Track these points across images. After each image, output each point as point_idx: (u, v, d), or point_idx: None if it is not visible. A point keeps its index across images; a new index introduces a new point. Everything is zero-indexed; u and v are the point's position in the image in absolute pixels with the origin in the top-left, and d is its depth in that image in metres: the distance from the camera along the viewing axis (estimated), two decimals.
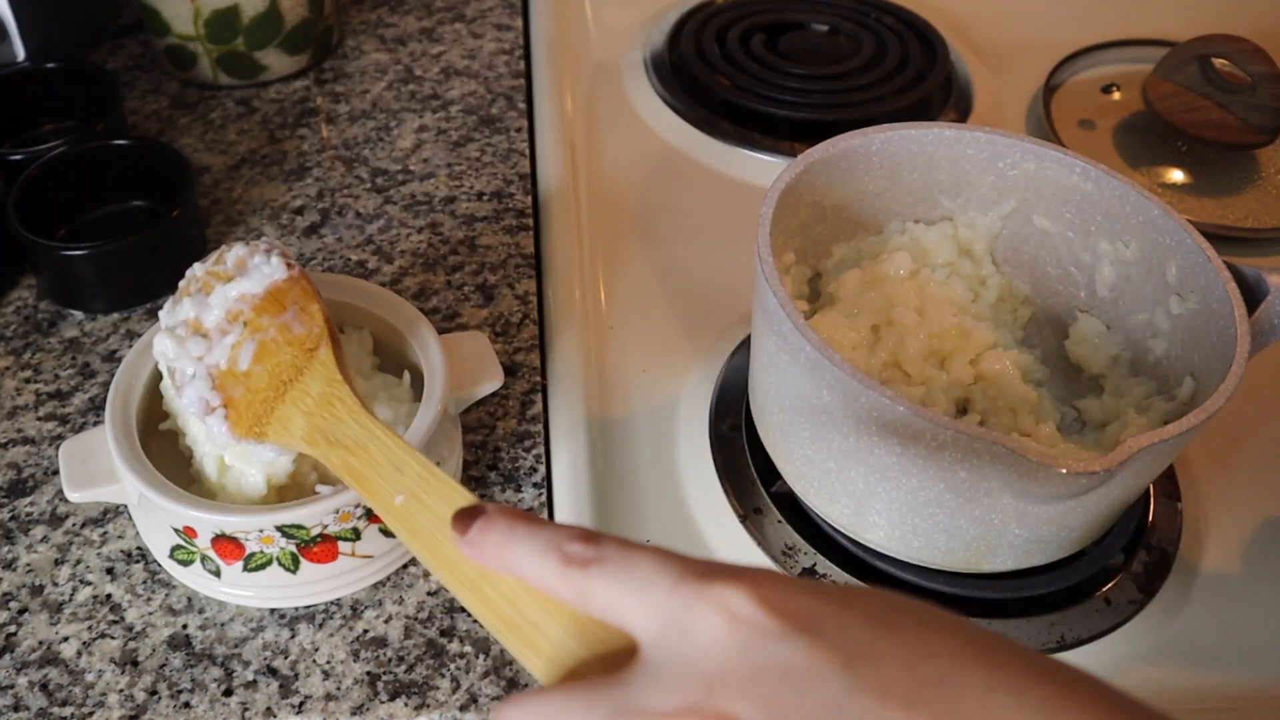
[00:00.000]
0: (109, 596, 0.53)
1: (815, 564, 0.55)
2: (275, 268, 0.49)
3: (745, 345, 0.65)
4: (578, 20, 0.93)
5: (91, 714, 0.48)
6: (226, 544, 0.49)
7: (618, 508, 0.57)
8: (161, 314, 0.50)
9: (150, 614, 0.52)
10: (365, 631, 0.52)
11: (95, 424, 0.60)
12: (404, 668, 0.50)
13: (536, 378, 0.63)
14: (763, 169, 0.77)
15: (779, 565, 0.55)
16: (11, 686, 0.49)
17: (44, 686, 0.49)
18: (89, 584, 0.53)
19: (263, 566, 0.49)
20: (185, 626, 0.52)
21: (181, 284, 0.51)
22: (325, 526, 0.49)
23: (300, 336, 0.48)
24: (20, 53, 0.77)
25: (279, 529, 0.48)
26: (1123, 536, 0.56)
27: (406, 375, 0.55)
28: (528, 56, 0.88)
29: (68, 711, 0.48)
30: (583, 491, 0.57)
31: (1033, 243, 0.61)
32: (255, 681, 0.50)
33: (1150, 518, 0.57)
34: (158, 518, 0.50)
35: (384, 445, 0.42)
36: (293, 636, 0.51)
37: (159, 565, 0.54)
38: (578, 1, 0.95)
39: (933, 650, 0.28)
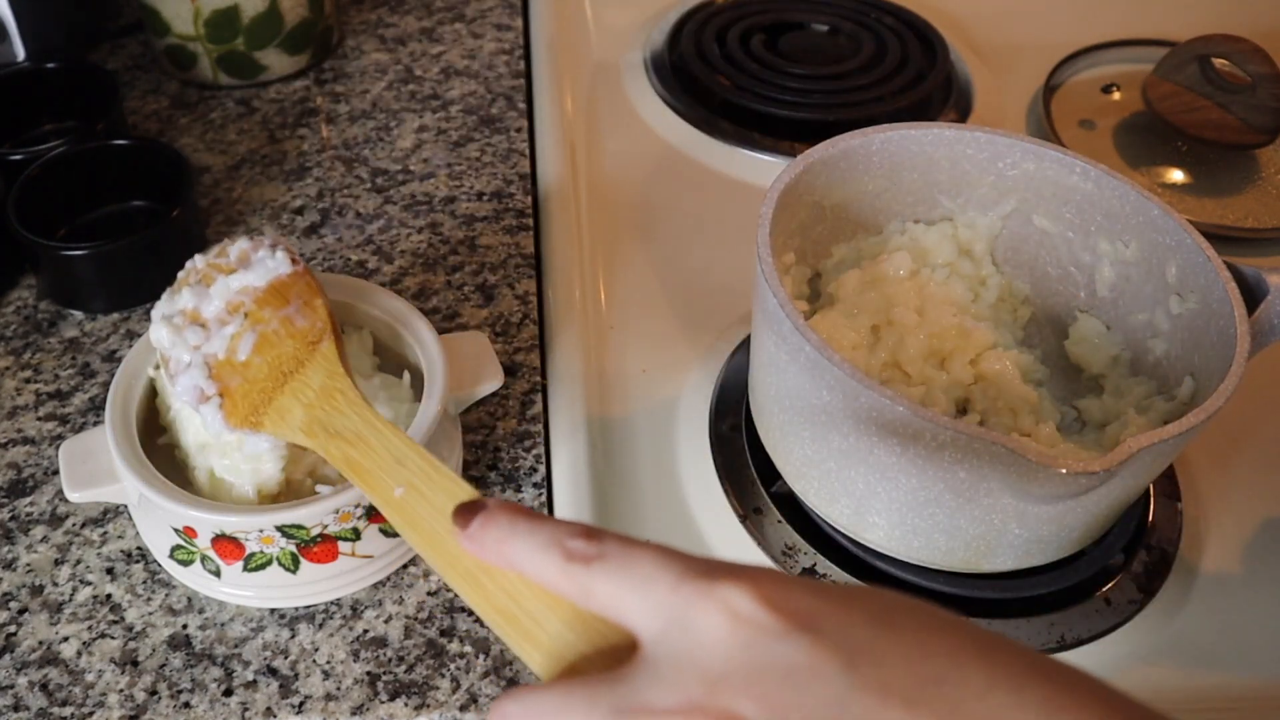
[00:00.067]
0: (109, 596, 0.53)
1: (815, 564, 0.55)
2: (280, 262, 0.49)
3: (745, 345, 0.65)
4: (578, 20, 0.93)
5: (91, 714, 0.48)
6: (226, 544, 0.49)
7: (618, 508, 0.57)
8: (159, 303, 0.50)
9: (150, 614, 0.52)
10: (365, 631, 0.52)
11: (95, 424, 0.60)
12: (404, 668, 0.50)
13: (536, 378, 0.63)
14: (763, 169, 0.77)
15: (779, 565, 0.55)
16: (11, 686, 0.49)
17: (44, 686, 0.49)
18: (89, 584, 0.53)
19: (263, 566, 0.49)
20: (185, 626, 0.52)
21: (180, 274, 0.51)
22: (325, 526, 0.49)
23: (303, 330, 0.48)
24: (20, 53, 0.77)
25: (279, 529, 0.48)
26: (1123, 536, 0.56)
27: (406, 375, 0.55)
28: (528, 56, 0.88)
29: (68, 711, 0.49)
30: (583, 491, 0.57)
31: (1033, 243, 0.61)
32: (255, 681, 0.50)
33: (1150, 518, 0.57)
34: (158, 518, 0.50)
35: (385, 438, 0.42)
36: (293, 636, 0.51)
37: (159, 565, 0.54)
38: (578, 1, 0.95)
39: (932, 649, 0.28)
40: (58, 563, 0.54)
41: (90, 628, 0.51)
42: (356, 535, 0.50)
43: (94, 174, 0.69)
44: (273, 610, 0.52)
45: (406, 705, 0.49)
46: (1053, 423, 0.56)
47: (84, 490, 0.50)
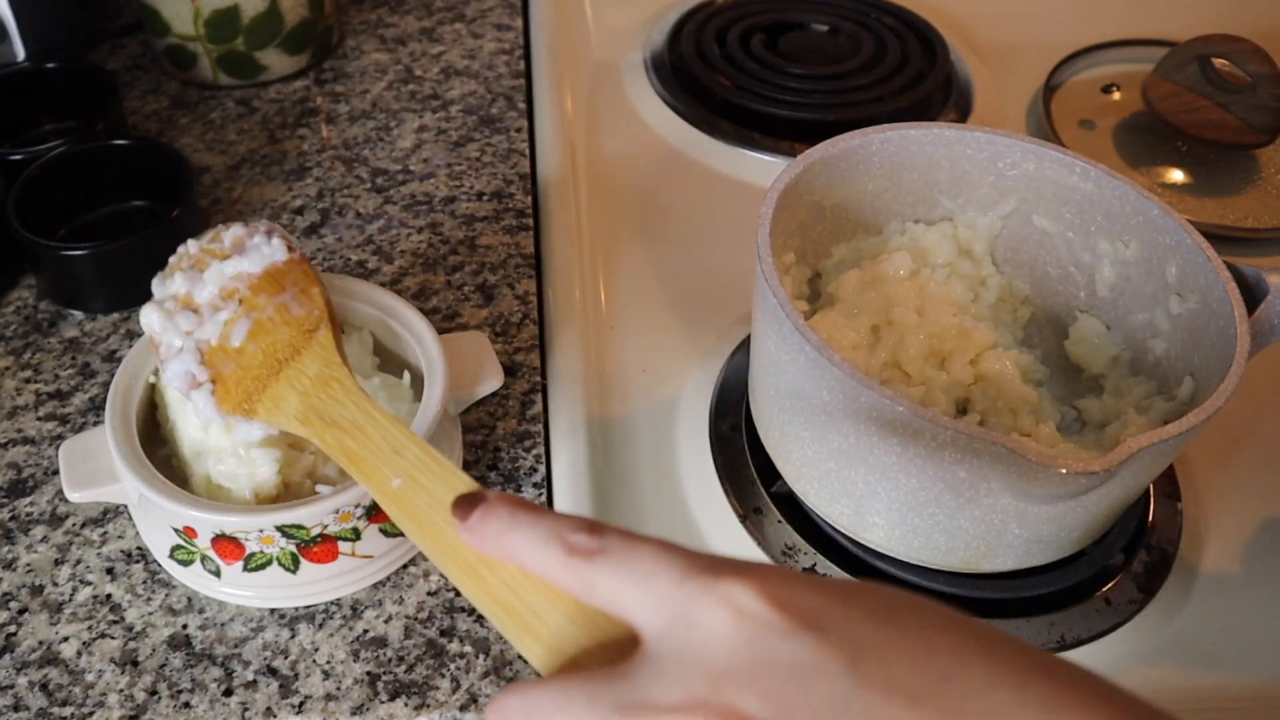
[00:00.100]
0: (109, 596, 0.53)
1: (815, 564, 0.55)
2: (275, 249, 0.49)
3: (745, 345, 0.65)
4: (578, 20, 0.93)
5: (91, 714, 0.48)
6: (226, 544, 0.49)
7: (618, 508, 0.57)
8: (152, 286, 0.50)
9: (150, 614, 0.52)
10: (365, 631, 0.52)
11: (95, 424, 0.60)
12: (404, 668, 0.50)
13: (536, 378, 0.63)
14: (763, 169, 0.77)
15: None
16: (11, 686, 0.49)
17: (44, 686, 0.49)
18: (89, 584, 0.53)
19: (263, 566, 0.49)
20: (185, 626, 0.52)
21: (172, 259, 0.50)
22: (325, 526, 0.49)
23: (299, 317, 0.48)
24: (20, 53, 0.77)
25: (279, 529, 0.48)
26: (1123, 536, 0.56)
27: (406, 375, 0.55)
28: (528, 56, 0.88)
29: (68, 711, 0.49)
30: (583, 491, 0.57)
31: (1033, 243, 0.61)
32: (255, 681, 0.50)
33: (1150, 518, 0.57)
34: (158, 518, 0.50)
35: (383, 428, 0.41)
36: (293, 636, 0.51)
37: (159, 565, 0.54)
38: (578, 1, 0.95)
39: (936, 646, 0.28)
40: (58, 563, 0.54)
41: (90, 628, 0.51)
42: (356, 535, 0.50)
43: (94, 174, 0.69)
44: (273, 610, 0.52)
45: (406, 705, 0.49)
46: (1053, 423, 0.56)
47: (84, 490, 0.50)
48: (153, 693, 0.49)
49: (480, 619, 0.52)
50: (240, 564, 0.49)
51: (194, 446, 0.51)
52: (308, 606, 0.52)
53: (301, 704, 0.49)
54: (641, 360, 0.65)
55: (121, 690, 0.49)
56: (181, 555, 0.51)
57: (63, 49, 0.79)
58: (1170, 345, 0.55)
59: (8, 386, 0.62)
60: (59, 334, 0.65)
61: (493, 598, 0.33)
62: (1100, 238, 0.58)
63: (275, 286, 0.48)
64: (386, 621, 0.52)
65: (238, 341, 0.47)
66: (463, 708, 0.49)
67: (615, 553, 0.31)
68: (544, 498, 0.57)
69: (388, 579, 0.53)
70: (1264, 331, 0.50)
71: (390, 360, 0.57)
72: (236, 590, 0.51)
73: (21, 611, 0.52)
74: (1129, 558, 0.56)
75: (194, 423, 0.51)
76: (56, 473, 0.56)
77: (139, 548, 0.54)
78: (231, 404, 0.47)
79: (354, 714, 0.49)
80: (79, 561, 0.54)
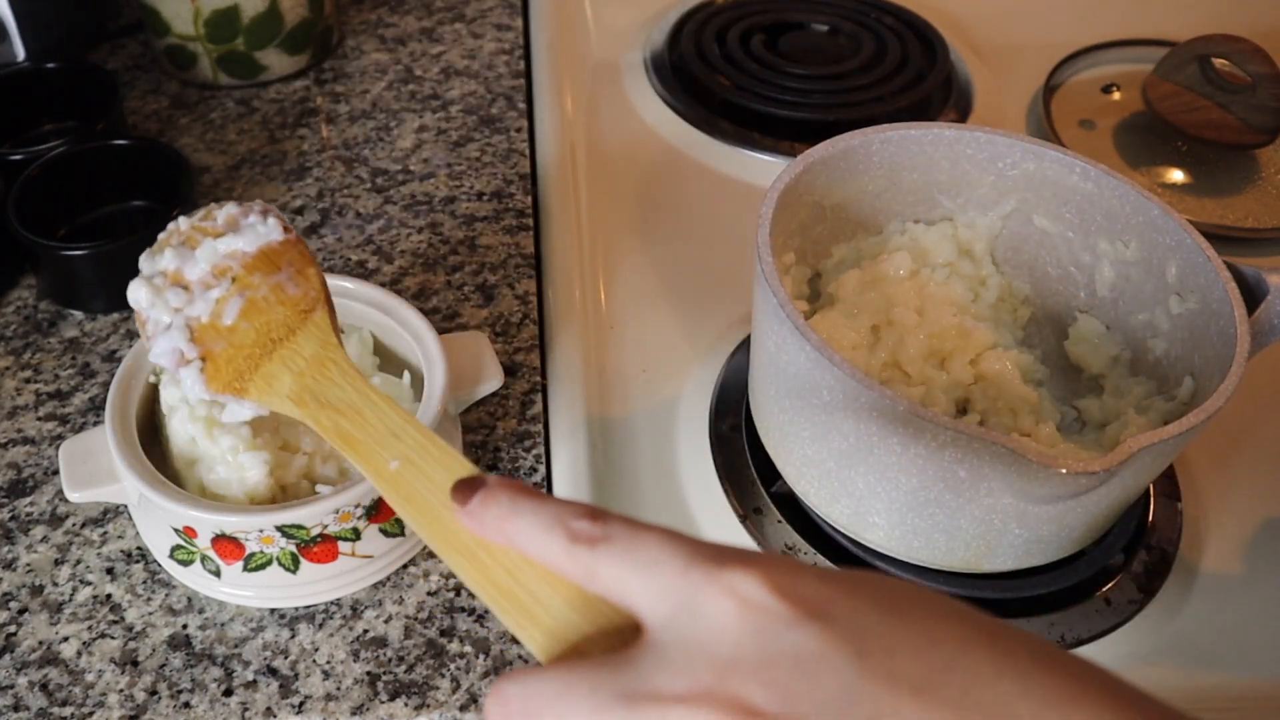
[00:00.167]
0: (109, 596, 0.53)
1: (815, 564, 0.55)
2: (271, 229, 0.48)
3: (745, 345, 0.65)
4: (578, 20, 0.93)
5: (91, 714, 0.48)
6: (226, 544, 0.49)
7: (618, 507, 0.56)
8: (139, 262, 0.49)
9: (150, 614, 0.52)
10: (365, 631, 0.52)
11: (95, 424, 0.60)
12: (404, 668, 0.50)
13: (536, 378, 0.63)
14: (763, 169, 0.77)
15: None
16: (11, 686, 0.49)
17: (44, 686, 0.49)
18: (89, 584, 0.53)
19: (263, 566, 0.49)
20: (185, 626, 0.52)
21: (162, 235, 0.49)
22: (325, 526, 0.49)
23: (295, 298, 0.46)
24: (20, 53, 0.77)
25: (279, 529, 0.48)
26: (1123, 536, 0.56)
27: (406, 375, 0.55)
28: (528, 56, 0.88)
29: (68, 711, 0.49)
30: (583, 491, 0.57)
31: (1033, 243, 0.61)
32: (255, 681, 0.50)
33: (1150, 518, 0.57)
34: (158, 518, 0.50)
35: (380, 410, 0.40)
36: (293, 636, 0.51)
37: (159, 565, 0.54)
38: (578, 1, 0.95)
39: (940, 637, 0.28)
40: (58, 563, 0.54)
41: (90, 628, 0.51)
42: (356, 535, 0.50)
43: (94, 174, 0.69)
44: (273, 610, 0.52)
45: (406, 705, 0.49)
46: (1053, 423, 0.56)
47: (84, 490, 0.50)
48: (153, 693, 0.49)
49: (480, 619, 0.52)
50: (240, 564, 0.49)
51: (185, 457, 0.51)
52: (308, 606, 0.52)
53: (301, 704, 0.49)
54: (641, 360, 0.65)
55: (121, 690, 0.49)
56: (181, 555, 0.51)
57: (63, 49, 0.79)
58: (1170, 345, 0.55)
59: (8, 386, 0.62)
60: (59, 334, 0.65)
61: (492, 583, 0.33)
62: (1100, 238, 0.58)
63: (270, 266, 0.47)
64: (386, 621, 0.52)
65: (230, 319, 0.46)
66: (463, 708, 0.49)
67: (619, 540, 0.30)
68: None
69: (388, 579, 0.53)
70: (1264, 331, 0.50)
71: (390, 360, 0.57)
72: (236, 590, 0.51)
73: (21, 611, 0.52)
74: (1129, 558, 0.56)
75: (183, 433, 0.51)
76: (56, 473, 0.56)
77: (139, 548, 0.54)
78: (222, 382, 0.46)
79: (354, 714, 0.49)
80: (79, 561, 0.54)
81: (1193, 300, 0.53)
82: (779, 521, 0.56)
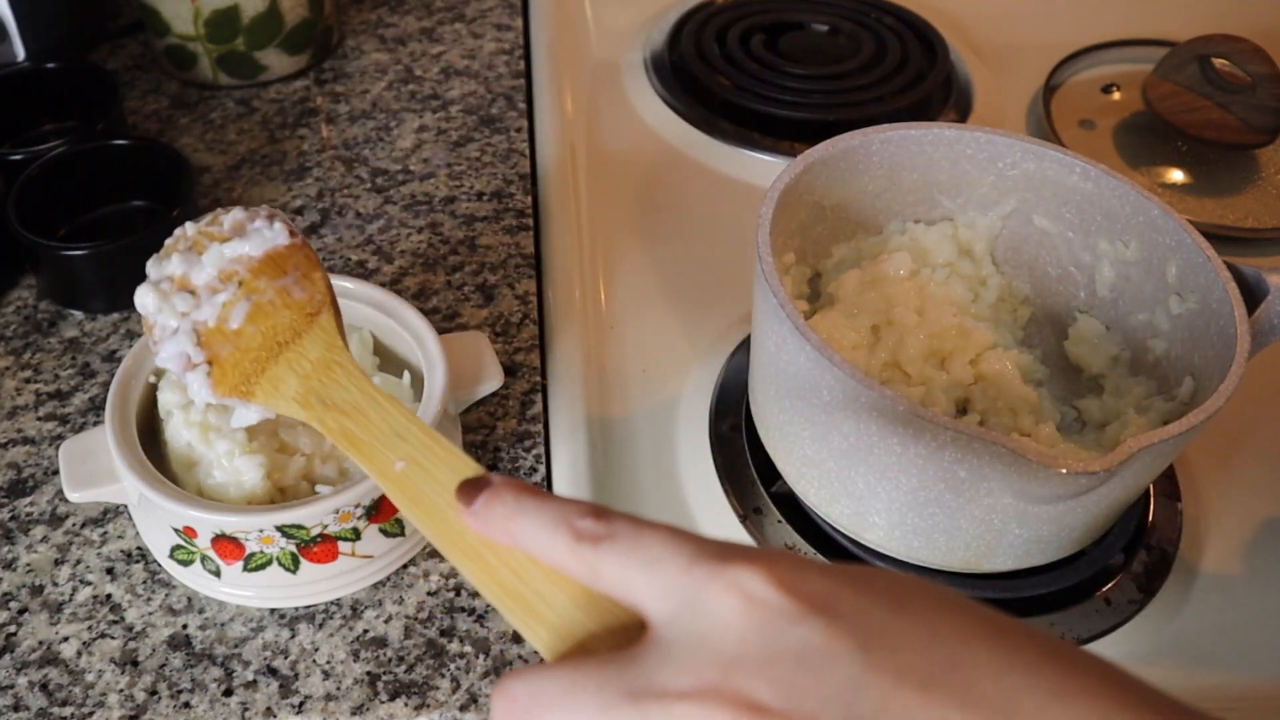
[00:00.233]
0: (109, 596, 0.53)
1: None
2: (277, 233, 0.48)
3: (745, 345, 0.65)
4: (578, 20, 0.93)
5: (91, 714, 0.48)
6: (226, 544, 0.49)
7: (618, 507, 0.57)
8: (147, 268, 0.49)
9: (150, 614, 0.52)
10: (365, 631, 0.52)
11: (95, 424, 0.60)
12: (404, 668, 0.50)
13: (536, 378, 0.63)
14: (763, 169, 0.77)
15: None
16: (11, 686, 0.49)
17: (44, 686, 0.49)
18: (89, 584, 0.53)
19: (263, 566, 0.49)
20: (185, 626, 0.52)
21: (169, 241, 0.49)
22: (325, 526, 0.49)
23: (301, 301, 0.47)
24: (20, 53, 0.77)
25: (279, 529, 0.48)
26: (1123, 536, 0.56)
27: (406, 375, 0.55)
28: (528, 56, 0.88)
29: (68, 711, 0.49)
30: (583, 491, 0.57)
31: (1033, 243, 0.61)
32: (255, 681, 0.50)
33: (1150, 518, 0.57)
34: (158, 518, 0.50)
35: (386, 411, 0.40)
36: (293, 636, 0.51)
37: (159, 565, 0.54)
38: (578, 1, 0.95)
39: (945, 631, 0.28)
40: (58, 563, 0.54)
41: (90, 628, 0.51)
42: (356, 535, 0.50)
43: (94, 174, 0.69)
44: (273, 610, 0.52)
45: (406, 705, 0.49)
46: (1053, 423, 0.56)
47: (84, 490, 0.50)
48: (153, 693, 0.49)
49: (480, 619, 0.52)
50: (240, 564, 0.49)
51: (183, 460, 0.51)
52: (308, 606, 0.52)
53: (301, 704, 0.49)
54: (641, 360, 0.65)
55: (121, 690, 0.49)
56: (181, 555, 0.51)
57: (63, 49, 0.79)
58: (1170, 345, 0.55)
59: (8, 386, 0.62)
60: (59, 334, 0.65)
61: (497, 582, 0.33)
62: (1100, 238, 0.58)
63: (276, 270, 0.47)
64: (386, 621, 0.52)
65: (236, 323, 0.46)
66: (463, 708, 0.49)
67: (622, 538, 0.30)
68: None
69: (388, 579, 0.53)
70: (1264, 331, 0.50)
71: (390, 360, 0.57)
72: (236, 590, 0.51)
73: (21, 611, 0.52)
74: (1129, 558, 0.56)
75: (180, 438, 0.51)
76: (56, 473, 0.56)
77: (139, 548, 0.54)
78: (228, 386, 0.46)
79: (354, 714, 0.49)
80: (79, 561, 0.54)
81: (1193, 300, 0.53)
82: (779, 521, 0.56)
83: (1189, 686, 0.52)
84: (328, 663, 0.50)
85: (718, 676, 0.28)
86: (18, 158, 0.67)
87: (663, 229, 0.74)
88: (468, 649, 0.51)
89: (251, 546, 0.49)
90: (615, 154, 0.80)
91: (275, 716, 0.49)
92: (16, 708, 0.48)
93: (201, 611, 0.52)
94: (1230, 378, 0.46)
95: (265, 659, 0.50)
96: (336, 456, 0.52)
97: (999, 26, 0.94)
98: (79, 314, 0.66)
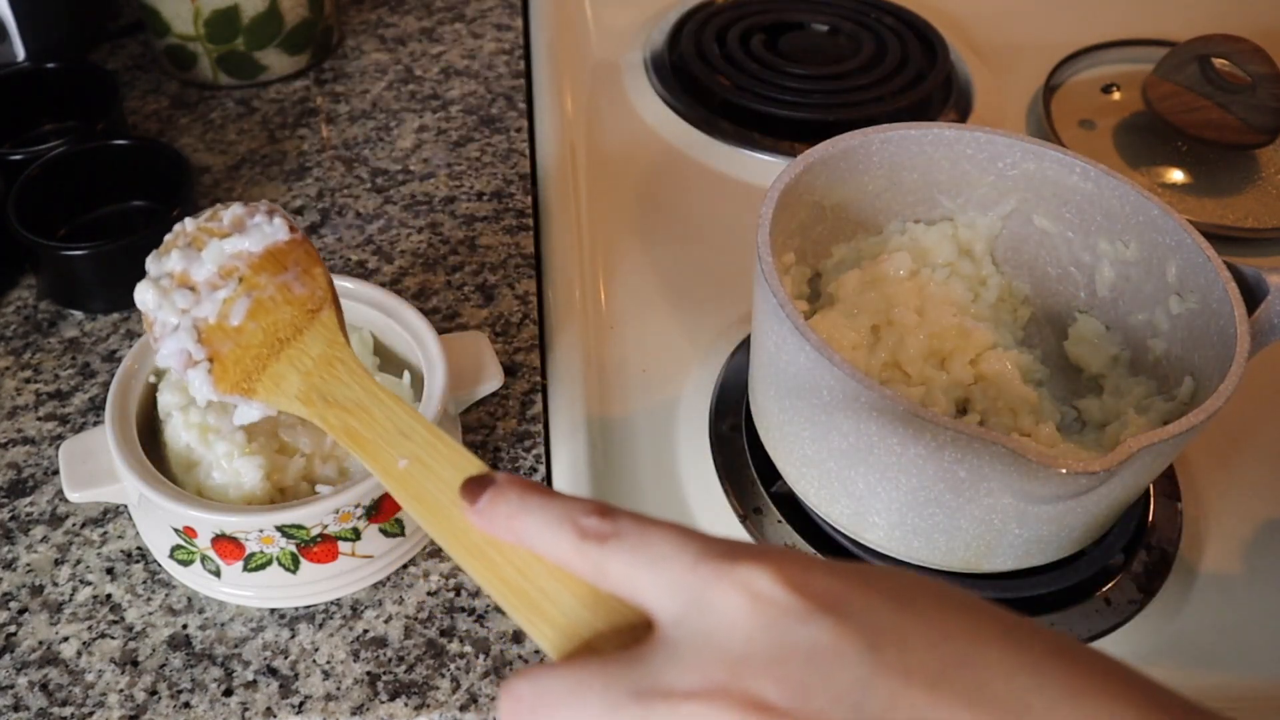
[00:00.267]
0: (109, 596, 0.53)
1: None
2: (277, 229, 0.48)
3: (745, 345, 0.65)
4: (578, 20, 0.93)
5: (91, 714, 0.48)
6: (226, 544, 0.49)
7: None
8: (146, 264, 0.49)
9: (150, 614, 0.52)
10: (365, 631, 0.52)
11: (95, 424, 0.60)
12: (404, 668, 0.50)
13: (536, 378, 0.63)
14: (763, 169, 0.77)
15: None
16: (11, 686, 0.49)
17: (44, 686, 0.49)
18: (89, 584, 0.53)
19: (263, 566, 0.49)
20: (185, 626, 0.52)
21: (168, 237, 0.49)
22: (325, 527, 0.49)
23: (302, 297, 0.47)
24: (20, 53, 0.77)
25: (279, 529, 0.48)
26: (1123, 536, 0.56)
27: (406, 375, 0.55)
28: (528, 56, 0.88)
29: (68, 711, 0.49)
30: (583, 491, 0.57)
31: (1033, 243, 0.61)
32: (255, 681, 0.50)
33: (1150, 518, 0.57)
34: (158, 518, 0.50)
35: (389, 409, 0.40)
36: (293, 636, 0.51)
37: (159, 565, 0.54)
38: (578, 1, 0.95)
39: (954, 630, 0.28)
40: (58, 563, 0.54)
41: (90, 628, 0.51)
42: (356, 535, 0.50)
43: (94, 174, 0.69)
44: (273, 610, 0.52)
45: (406, 705, 0.49)
46: (1053, 423, 0.56)
47: (84, 490, 0.50)
48: (153, 693, 0.49)
49: (480, 619, 0.52)
50: (240, 564, 0.49)
51: (183, 461, 0.51)
52: (308, 606, 0.52)
53: (301, 704, 0.49)
54: (641, 360, 0.65)
55: (121, 690, 0.49)
56: (181, 555, 0.51)
57: (63, 49, 0.79)
58: (1170, 345, 0.55)
59: (8, 386, 0.62)
60: (59, 334, 0.65)
61: (502, 580, 0.33)
62: (1100, 238, 0.58)
63: (277, 266, 0.47)
64: (386, 621, 0.52)
65: (237, 320, 0.46)
66: (463, 708, 0.49)
67: (628, 536, 0.30)
68: None
69: (388, 579, 0.53)
70: (1264, 331, 0.50)
71: (390, 360, 0.57)
72: (236, 590, 0.51)
73: (21, 611, 0.52)
74: (1129, 558, 0.56)
75: (179, 439, 0.51)
76: (56, 473, 0.56)
77: (139, 548, 0.54)
78: (229, 383, 0.46)
79: (354, 714, 0.49)
80: (79, 561, 0.54)
81: (1193, 300, 0.53)
82: (779, 521, 0.56)
83: (1189, 686, 0.51)
84: (328, 663, 0.50)
85: (725, 676, 0.28)
86: (18, 158, 0.67)
87: (663, 229, 0.74)
88: (468, 649, 0.51)
89: (251, 546, 0.49)
90: (615, 154, 0.80)
91: (275, 716, 0.49)
92: (16, 708, 0.48)
93: (201, 611, 0.52)
94: (1230, 378, 0.46)
95: (265, 659, 0.50)
96: (336, 456, 0.52)
97: (999, 26, 0.94)
98: (79, 314, 0.66)
